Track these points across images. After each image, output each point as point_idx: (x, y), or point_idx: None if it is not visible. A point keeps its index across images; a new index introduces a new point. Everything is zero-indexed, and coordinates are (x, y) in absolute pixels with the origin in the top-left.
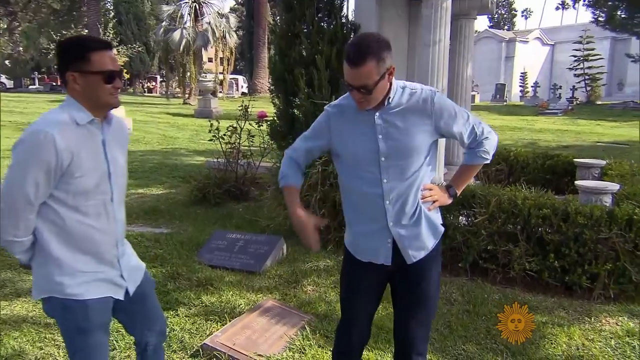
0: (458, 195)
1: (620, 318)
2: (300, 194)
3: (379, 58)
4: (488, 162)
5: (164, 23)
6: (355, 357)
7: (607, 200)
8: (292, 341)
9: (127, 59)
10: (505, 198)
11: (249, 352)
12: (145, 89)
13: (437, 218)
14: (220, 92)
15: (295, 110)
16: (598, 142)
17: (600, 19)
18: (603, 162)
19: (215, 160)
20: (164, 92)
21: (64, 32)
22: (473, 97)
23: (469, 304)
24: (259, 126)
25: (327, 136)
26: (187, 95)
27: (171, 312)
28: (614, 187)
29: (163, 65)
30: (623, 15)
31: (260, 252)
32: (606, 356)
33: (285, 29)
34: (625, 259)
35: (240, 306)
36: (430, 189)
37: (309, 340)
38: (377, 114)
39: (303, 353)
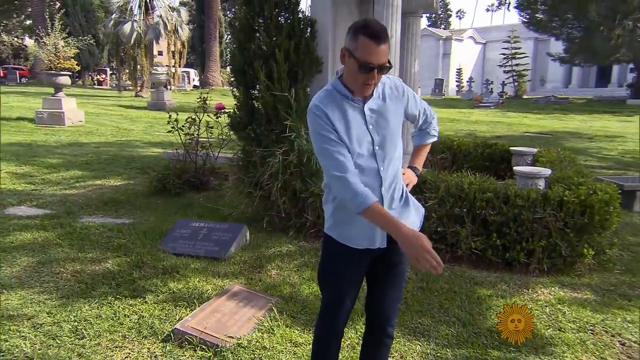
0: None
1: (552, 288)
2: (262, 182)
3: None
4: (436, 139)
5: (113, 15)
6: (340, 339)
7: (541, 183)
8: (261, 322)
9: (76, 50)
10: (453, 183)
11: (220, 334)
12: (95, 82)
13: (416, 199)
14: (172, 85)
15: (255, 102)
16: (526, 132)
17: (525, 20)
18: (535, 150)
19: (173, 151)
20: (114, 85)
21: (4, 22)
22: (417, 91)
23: (422, 282)
24: (217, 118)
25: (332, 125)
26: (139, 88)
27: (139, 300)
28: (547, 172)
29: (113, 58)
30: (544, 18)
31: (224, 239)
32: (542, 322)
33: (244, 23)
34: (556, 236)
35: (208, 291)
36: (404, 173)
37: (276, 321)
38: (366, 104)
39: (272, 333)
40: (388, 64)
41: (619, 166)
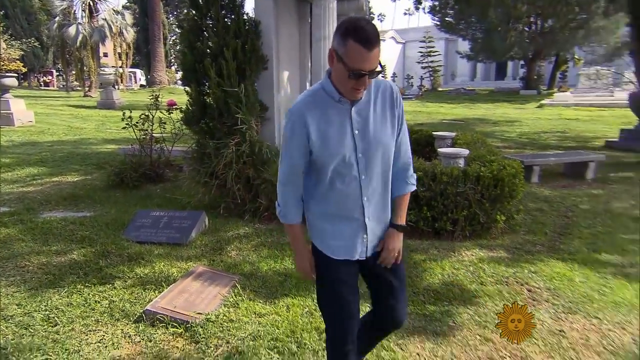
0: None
1: (474, 250)
2: (217, 172)
3: None
4: (414, 190)
5: (57, 18)
6: (355, 343)
7: (461, 162)
8: (226, 298)
9: (21, 52)
10: None
11: (189, 312)
12: (42, 83)
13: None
14: (120, 84)
15: (207, 98)
16: (443, 119)
17: (437, 23)
18: (453, 134)
19: (128, 147)
20: (62, 86)
21: None
22: None
23: None
24: (169, 114)
25: (306, 136)
26: (87, 88)
27: (107, 286)
28: (465, 152)
29: (59, 60)
30: (452, 20)
31: (184, 225)
32: (468, 279)
33: (193, 24)
34: (475, 206)
35: (173, 274)
36: (392, 249)
37: (240, 296)
38: (354, 108)
39: (237, 307)
40: (380, 67)
41: (518, 145)
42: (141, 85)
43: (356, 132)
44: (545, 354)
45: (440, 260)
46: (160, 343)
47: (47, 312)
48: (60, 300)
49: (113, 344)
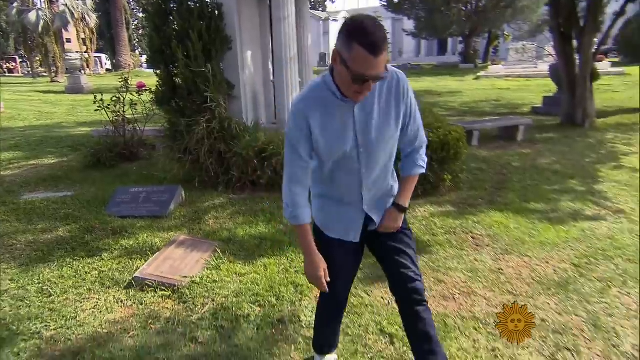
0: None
1: (426, 207)
2: (190, 148)
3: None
4: (424, 172)
5: (15, 4)
6: (343, 307)
7: None
8: (208, 262)
9: None
10: None
11: (175, 276)
12: (5, 70)
13: (396, 186)
14: (87, 69)
15: (176, 78)
16: None
17: (384, 4)
18: None
19: (102, 128)
20: (27, 72)
21: None
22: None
23: None
24: (139, 95)
25: (308, 130)
26: (54, 74)
27: (96, 258)
28: None
29: (21, 46)
30: (398, 1)
31: (163, 199)
32: (421, 231)
33: (158, 8)
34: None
35: (157, 244)
36: (387, 214)
37: (221, 260)
38: (357, 105)
39: (219, 269)
40: (385, 71)
41: (460, 113)
42: (107, 70)
43: (358, 128)
44: (488, 289)
45: None
46: (151, 305)
47: (41, 285)
48: (51, 274)
49: (107, 309)
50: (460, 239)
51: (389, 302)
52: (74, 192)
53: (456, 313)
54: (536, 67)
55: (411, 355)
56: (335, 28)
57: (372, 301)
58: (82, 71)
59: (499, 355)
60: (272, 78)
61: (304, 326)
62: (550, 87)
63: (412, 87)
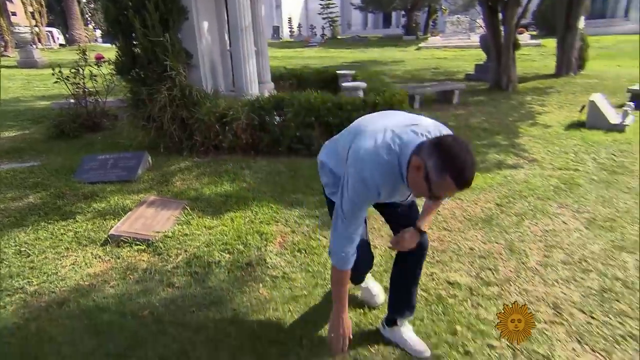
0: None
1: None
2: (153, 116)
3: None
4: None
5: None
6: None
7: (360, 93)
8: (178, 219)
9: None
10: (303, 99)
11: (148, 232)
12: None
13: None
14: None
15: (135, 48)
16: (344, 62)
17: None
18: (353, 72)
19: (63, 101)
20: None
21: None
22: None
23: (291, 171)
24: (98, 67)
25: (377, 197)
26: (2, 48)
27: (70, 221)
28: (363, 84)
29: None
30: None
31: (130, 165)
32: None
33: None
34: None
35: (128, 205)
36: (405, 235)
37: (190, 216)
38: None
39: (189, 224)
40: None
41: (403, 80)
42: (60, 45)
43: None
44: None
45: None
46: (128, 259)
47: (18, 247)
48: (27, 237)
49: (86, 264)
50: None
51: None
52: (40, 162)
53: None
54: (469, 38)
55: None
56: (287, 2)
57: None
58: (34, 45)
59: (435, 279)
60: (228, 48)
61: (270, 267)
62: (481, 56)
63: (361, 57)
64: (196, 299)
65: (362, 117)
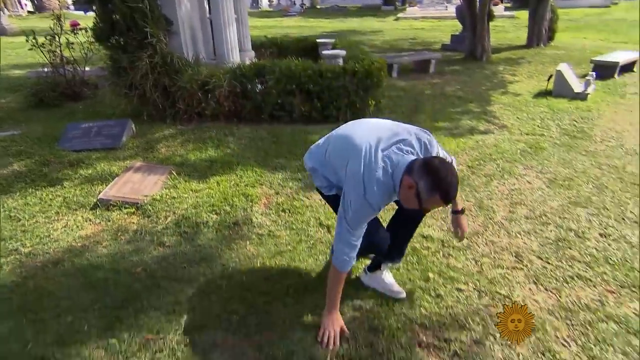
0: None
1: None
2: (135, 83)
3: None
4: None
5: None
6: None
7: (340, 61)
8: (165, 183)
9: None
10: (284, 67)
11: (137, 195)
12: None
13: None
14: (6, 10)
15: (114, 15)
16: (323, 32)
17: None
18: (332, 40)
19: (40, 69)
20: None
21: None
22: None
23: (273, 138)
24: (74, 34)
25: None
26: None
27: (57, 187)
28: (343, 52)
29: None
30: None
31: (114, 132)
32: None
33: None
34: (353, 95)
35: (115, 171)
36: (457, 224)
37: (177, 180)
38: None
39: (176, 188)
40: None
41: (382, 50)
42: (29, 12)
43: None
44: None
45: None
46: (118, 221)
47: (8, 212)
48: (16, 202)
49: (77, 227)
50: None
51: (325, 204)
52: (21, 131)
53: None
54: (446, 9)
55: None
56: None
57: (312, 203)
58: (1, 12)
59: None
60: (208, 15)
61: (256, 226)
62: (457, 27)
63: (340, 27)
64: (187, 256)
65: (346, 125)
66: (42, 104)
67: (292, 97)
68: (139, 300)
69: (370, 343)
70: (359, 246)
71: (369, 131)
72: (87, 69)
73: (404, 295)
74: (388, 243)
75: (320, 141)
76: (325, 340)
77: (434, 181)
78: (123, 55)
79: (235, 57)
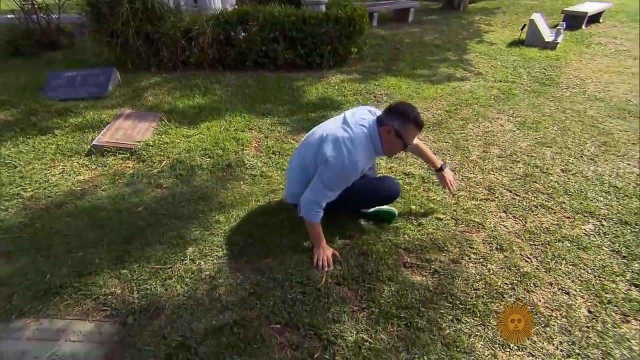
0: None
1: (337, 75)
2: (117, 31)
3: None
4: None
5: None
6: None
7: (323, 7)
8: (157, 129)
9: None
10: (268, 13)
11: (130, 141)
12: None
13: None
14: None
15: None
16: None
17: None
18: None
19: (10, 16)
20: None
21: None
22: None
23: (259, 84)
24: None
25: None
26: None
27: (49, 135)
28: None
29: None
30: None
31: (100, 81)
32: (335, 94)
33: None
34: (336, 42)
35: (105, 118)
36: (443, 176)
37: (168, 126)
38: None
39: (168, 134)
40: None
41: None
42: None
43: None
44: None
45: (315, 84)
46: (114, 166)
47: (2, 160)
48: (9, 151)
49: (74, 172)
50: (364, 98)
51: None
52: (0, 80)
53: None
54: None
55: None
56: None
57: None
58: None
59: (394, 171)
60: None
61: (248, 168)
62: None
63: None
64: (184, 196)
65: (310, 132)
66: (19, 52)
67: (276, 44)
68: (143, 236)
69: (361, 265)
70: (319, 208)
71: (330, 121)
72: (61, 15)
73: (395, 211)
74: (398, 189)
75: (292, 161)
76: (320, 264)
77: (404, 116)
78: (102, 1)
79: (216, 4)
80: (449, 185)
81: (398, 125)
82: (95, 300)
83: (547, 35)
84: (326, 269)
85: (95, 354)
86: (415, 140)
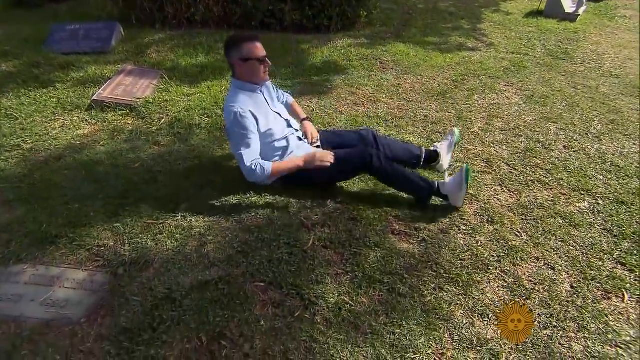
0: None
1: (344, 39)
2: None
3: None
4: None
5: None
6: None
7: None
8: (157, 86)
9: None
10: None
11: (130, 97)
12: None
13: None
14: None
15: None
16: None
17: None
18: None
19: None
20: None
21: None
22: None
23: (264, 45)
24: None
25: (255, 123)
26: None
27: (50, 88)
28: None
29: None
30: None
31: (103, 35)
32: (340, 58)
33: None
34: (345, 4)
35: (106, 74)
36: (305, 129)
37: (169, 84)
38: (264, 95)
39: (168, 92)
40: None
41: None
42: None
43: (272, 108)
44: (389, 97)
45: (321, 47)
46: (114, 122)
47: (4, 111)
48: (10, 102)
49: (74, 126)
50: (370, 64)
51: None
52: (3, 31)
53: (364, 114)
54: None
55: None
56: None
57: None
58: None
59: (388, 131)
60: None
61: None
62: None
63: None
64: (181, 154)
65: None
66: (23, 4)
67: (283, 3)
68: (138, 191)
69: (349, 230)
70: (258, 159)
71: None
72: None
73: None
74: (367, 155)
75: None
76: (319, 163)
77: (233, 45)
78: None
79: None
80: (309, 135)
81: (237, 51)
82: (88, 250)
83: (569, 5)
84: (332, 161)
85: (87, 301)
86: (290, 99)
